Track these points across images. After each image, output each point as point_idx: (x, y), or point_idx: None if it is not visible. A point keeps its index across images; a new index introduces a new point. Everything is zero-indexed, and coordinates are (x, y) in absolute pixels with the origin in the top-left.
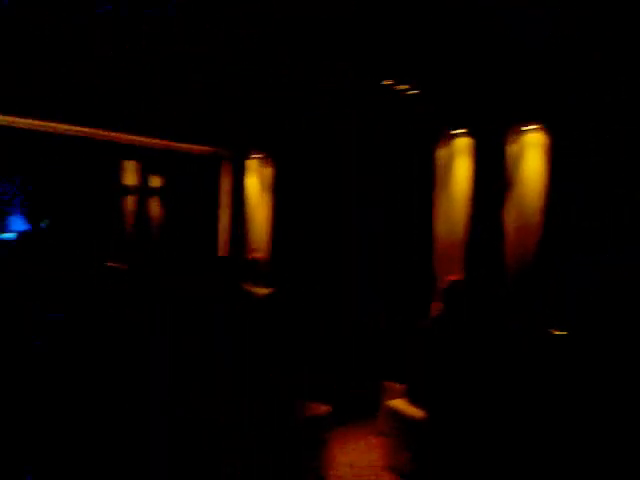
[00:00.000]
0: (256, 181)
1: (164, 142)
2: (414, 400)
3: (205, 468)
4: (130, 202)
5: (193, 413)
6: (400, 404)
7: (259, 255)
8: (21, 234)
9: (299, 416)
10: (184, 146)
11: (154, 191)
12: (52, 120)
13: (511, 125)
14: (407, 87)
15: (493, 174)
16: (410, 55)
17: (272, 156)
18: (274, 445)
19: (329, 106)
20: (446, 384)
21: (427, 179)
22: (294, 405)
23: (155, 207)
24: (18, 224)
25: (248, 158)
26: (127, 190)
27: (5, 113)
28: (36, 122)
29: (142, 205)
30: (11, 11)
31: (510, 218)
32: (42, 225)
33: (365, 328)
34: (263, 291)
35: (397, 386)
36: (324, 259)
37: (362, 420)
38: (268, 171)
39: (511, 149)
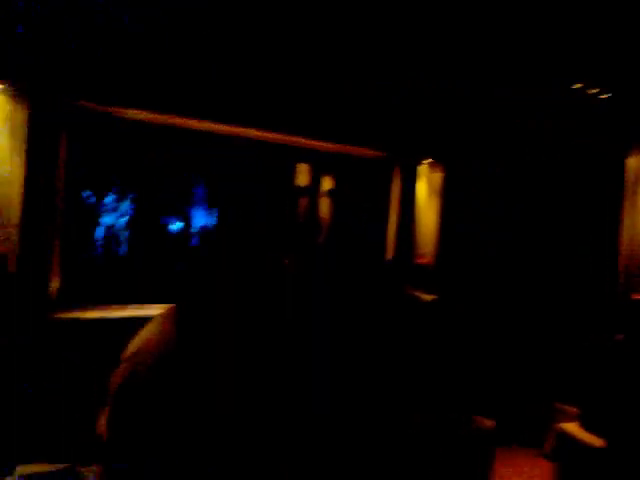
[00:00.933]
0: (425, 186)
1: (337, 146)
2: (590, 426)
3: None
4: (302, 203)
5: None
6: (573, 428)
7: (425, 260)
8: (203, 229)
9: (464, 427)
10: (356, 150)
11: (325, 193)
12: (239, 124)
13: None
14: (598, 90)
15: None
16: (605, 52)
17: (443, 162)
18: (437, 454)
19: (498, 113)
20: (633, 413)
21: (615, 190)
22: (459, 416)
23: (325, 208)
24: (200, 219)
25: (418, 163)
26: (299, 191)
27: (185, 115)
28: (222, 127)
29: (313, 206)
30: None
31: None
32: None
33: (536, 344)
34: (427, 297)
35: (570, 409)
36: (492, 268)
37: (528, 441)
38: (438, 176)
39: None
